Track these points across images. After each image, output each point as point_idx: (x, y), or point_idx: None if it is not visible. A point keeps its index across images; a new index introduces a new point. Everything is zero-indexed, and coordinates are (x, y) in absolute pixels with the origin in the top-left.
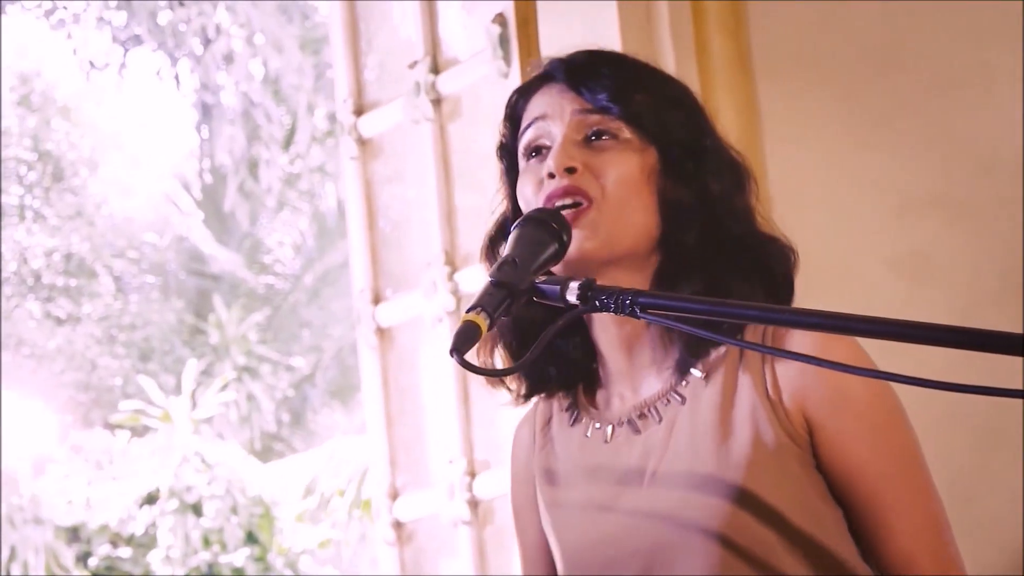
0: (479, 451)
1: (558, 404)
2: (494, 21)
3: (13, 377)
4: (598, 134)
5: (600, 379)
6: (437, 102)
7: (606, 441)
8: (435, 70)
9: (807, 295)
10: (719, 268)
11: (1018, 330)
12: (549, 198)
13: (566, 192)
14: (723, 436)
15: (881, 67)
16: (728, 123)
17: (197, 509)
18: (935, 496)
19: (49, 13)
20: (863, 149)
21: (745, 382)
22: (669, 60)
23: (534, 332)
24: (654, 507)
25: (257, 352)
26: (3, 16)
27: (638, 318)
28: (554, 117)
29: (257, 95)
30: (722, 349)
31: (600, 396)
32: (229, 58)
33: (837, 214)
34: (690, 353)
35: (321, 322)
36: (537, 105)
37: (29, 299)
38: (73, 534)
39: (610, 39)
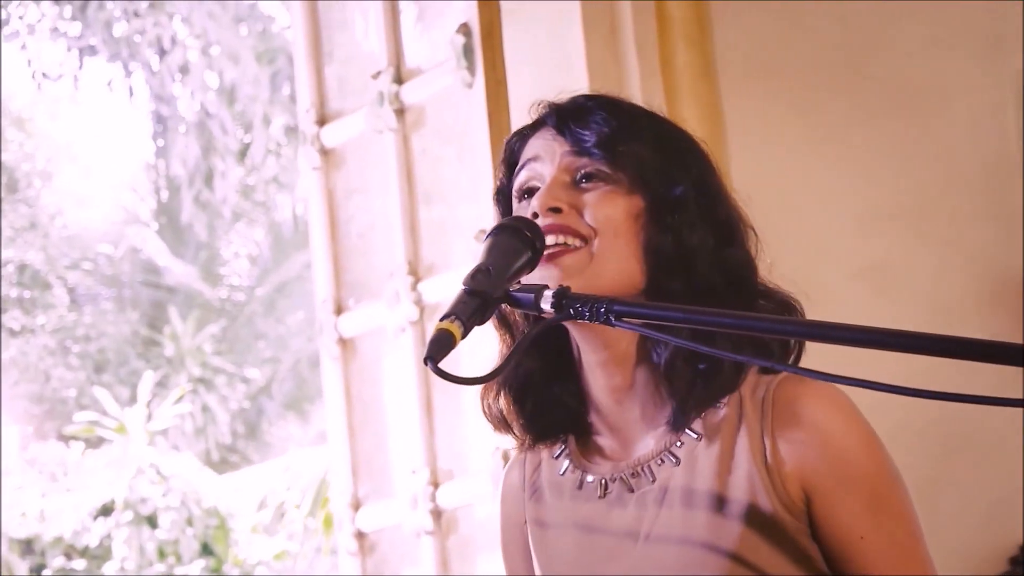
0: (442, 461)
1: (547, 451)
2: (458, 31)
3: None
4: (587, 176)
5: (591, 428)
6: (400, 112)
7: (600, 496)
8: (399, 80)
9: None
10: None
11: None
12: None
13: (549, 231)
14: (719, 503)
15: (844, 79)
16: (692, 133)
17: (152, 521)
18: (928, 559)
19: (3, 24)
20: (826, 160)
21: (743, 448)
22: (633, 70)
23: (536, 381)
24: (646, 570)
25: (212, 364)
26: None
27: (613, 326)
28: (545, 159)
29: (213, 106)
30: (721, 411)
31: (592, 446)
32: (185, 69)
33: (800, 225)
34: (682, 410)
35: (277, 334)
36: (531, 148)
37: None
38: (27, 546)
39: (574, 49)
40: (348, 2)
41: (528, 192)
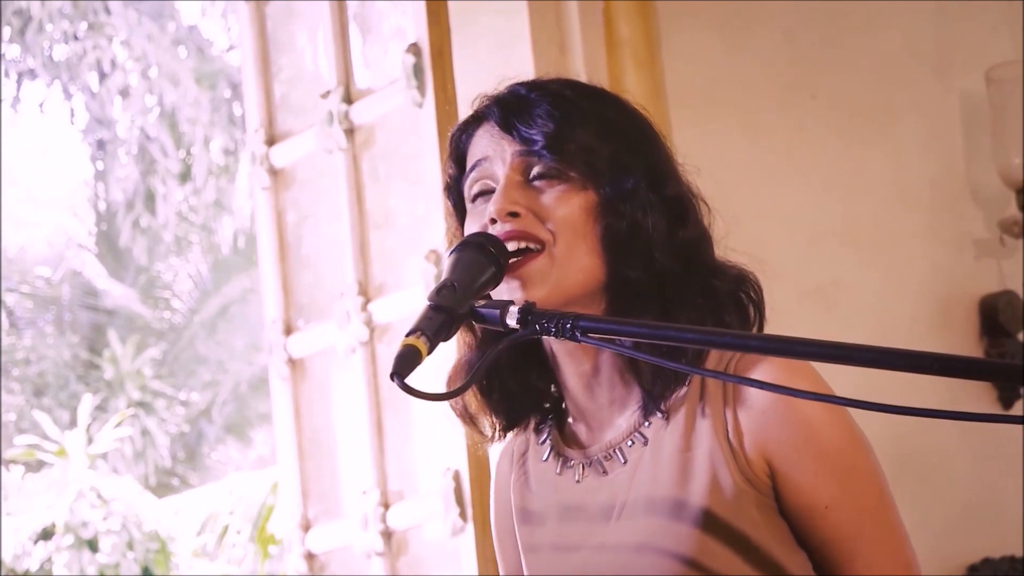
0: (392, 482)
1: (534, 436)
2: (408, 51)
3: None
4: (540, 175)
5: (569, 414)
6: (350, 132)
7: (577, 481)
8: (348, 100)
9: None
10: (667, 303)
11: None
12: None
13: (509, 237)
14: (681, 483)
15: (792, 100)
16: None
17: (93, 545)
18: (901, 534)
19: None
20: (776, 181)
21: (704, 426)
22: None
23: (503, 369)
24: (620, 541)
25: (152, 387)
26: None
27: (579, 342)
28: (495, 159)
29: (153, 129)
30: (683, 390)
31: (569, 432)
32: (125, 92)
33: (750, 245)
34: (651, 394)
35: (218, 357)
36: (479, 146)
37: None
38: None
39: (523, 70)
40: (296, 21)
41: (483, 194)
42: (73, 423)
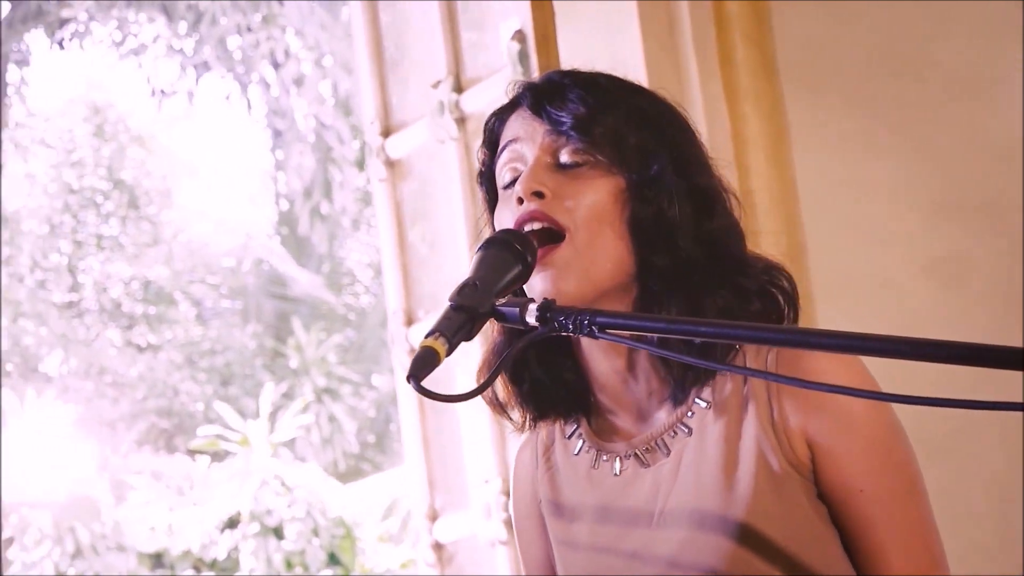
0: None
1: (560, 431)
2: (513, 38)
3: (95, 406)
4: (569, 158)
5: (601, 407)
6: (461, 121)
7: (616, 474)
8: (458, 89)
9: (840, 303)
10: (693, 293)
11: None
12: (518, 223)
13: (532, 217)
14: (729, 469)
15: (907, 69)
16: (755, 132)
17: (278, 532)
18: (930, 520)
19: (119, 43)
20: (892, 153)
21: (751, 412)
22: (692, 70)
23: (531, 360)
24: (658, 549)
25: (337, 373)
26: (75, 48)
27: (596, 338)
28: (526, 140)
29: (328, 117)
30: (728, 383)
31: (603, 425)
32: (299, 81)
33: (869, 220)
34: (680, 386)
35: None
36: (511, 129)
37: (110, 327)
38: (156, 560)
39: (632, 51)
40: (407, 11)
41: (512, 181)
42: (259, 412)
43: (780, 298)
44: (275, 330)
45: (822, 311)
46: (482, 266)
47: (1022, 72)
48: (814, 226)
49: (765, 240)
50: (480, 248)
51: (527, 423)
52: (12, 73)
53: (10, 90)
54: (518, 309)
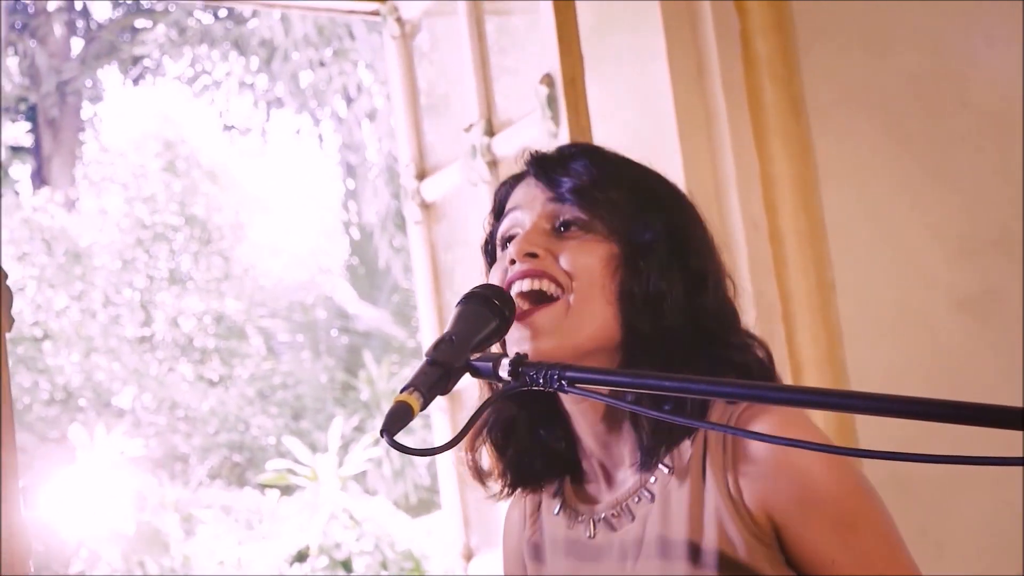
0: None
1: (547, 490)
2: (541, 82)
3: (167, 440)
4: (566, 224)
5: (585, 471)
6: (493, 164)
7: (589, 538)
8: (490, 132)
9: (869, 340)
10: (670, 361)
11: None
12: (509, 282)
13: (525, 275)
14: (694, 539)
15: (937, 106)
16: (783, 171)
17: (347, 565)
18: (908, 562)
19: (192, 80)
20: (923, 188)
21: (710, 484)
22: (721, 111)
23: (520, 427)
24: None
25: None
26: (149, 85)
27: (564, 392)
28: (526, 208)
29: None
30: (688, 448)
31: (581, 489)
32: (372, 115)
33: (899, 254)
34: (647, 450)
35: None
36: (515, 197)
37: (182, 362)
38: None
39: (661, 93)
40: (443, 56)
41: (509, 239)
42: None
43: (754, 368)
44: (345, 363)
45: (851, 349)
46: (459, 321)
47: None
48: (843, 264)
49: (793, 279)
50: (459, 303)
51: (504, 491)
52: (86, 109)
53: (84, 126)
54: (491, 364)
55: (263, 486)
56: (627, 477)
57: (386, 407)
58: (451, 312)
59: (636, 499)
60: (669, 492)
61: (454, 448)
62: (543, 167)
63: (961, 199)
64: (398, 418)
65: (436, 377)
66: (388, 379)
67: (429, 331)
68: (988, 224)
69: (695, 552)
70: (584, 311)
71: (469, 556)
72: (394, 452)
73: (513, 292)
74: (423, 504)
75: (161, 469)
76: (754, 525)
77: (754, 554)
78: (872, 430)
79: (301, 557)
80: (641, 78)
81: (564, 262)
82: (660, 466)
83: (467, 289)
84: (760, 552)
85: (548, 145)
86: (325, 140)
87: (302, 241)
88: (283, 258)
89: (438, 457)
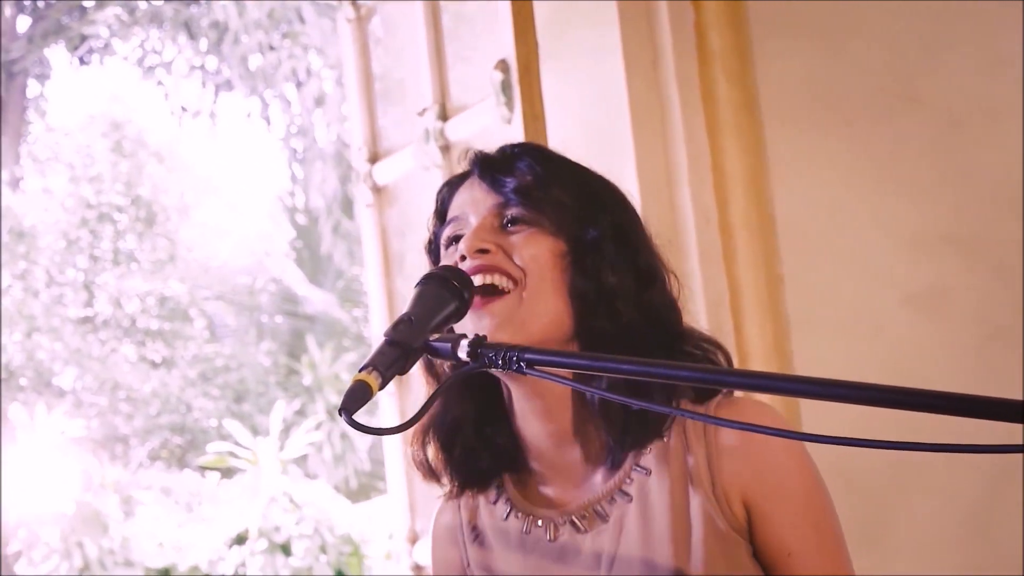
0: None
1: (483, 497)
2: (496, 67)
3: (108, 420)
4: (512, 220)
5: (532, 470)
6: (446, 148)
7: (550, 540)
8: (443, 117)
9: (818, 334)
10: (633, 354)
11: None
12: None
13: (478, 270)
14: (680, 534)
15: (889, 105)
16: (735, 166)
17: (286, 549)
18: (847, 559)
19: (141, 60)
20: (874, 186)
21: (695, 482)
22: (675, 104)
23: (465, 426)
24: None
25: None
26: (97, 65)
27: (524, 374)
28: (472, 208)
29: (349, 135)
30: (668, 443)
31: (535, 490)
32: (320, 100)
33: (849, 249)
34: (619, 448)
35: None
36: (458, 199)
37: (124, 343)
38: None
39: (615, 85)
40: (397, 41)
41: (456, 239)
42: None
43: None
44: (289, 347)
45: (798, 342)
46: (419, 302)
47: (1021, 105)
48: (792, 258)
49: (743, 271)
50: (418, 284)
51: (454, 489)
52: (32, 88)
53: (30, 105)
54: (450, 344)
55: (203, 468)
56: (594, 478)
57: (328, 392)
58: (401, 296)
59: (611, 500)
60: (648, 492)
61: (406, 444)
62: (487, 167)
63: (912, 195)
64: (357, 397)
65: (394, 357)
66: (331, 364)
67: (379, 315)
68: (938, 220)
69: (682, 546)
70: (537, 303)
71: (414, 540)
72: (335, 437)
73: None
74: (363, 489)
75: (102, 450)
76: (733, 517)
77: (734, 544)
78: (818, 420)
79: (240, 540)
80: (596, 69)
81: (515, 256)
82: (636, 468)
83: (418, 273)
84: (738, 542)
85: (502, 131)
86: (273, 124)
87: (249, 224)
88: (229, 241)
89: (383, 442)
